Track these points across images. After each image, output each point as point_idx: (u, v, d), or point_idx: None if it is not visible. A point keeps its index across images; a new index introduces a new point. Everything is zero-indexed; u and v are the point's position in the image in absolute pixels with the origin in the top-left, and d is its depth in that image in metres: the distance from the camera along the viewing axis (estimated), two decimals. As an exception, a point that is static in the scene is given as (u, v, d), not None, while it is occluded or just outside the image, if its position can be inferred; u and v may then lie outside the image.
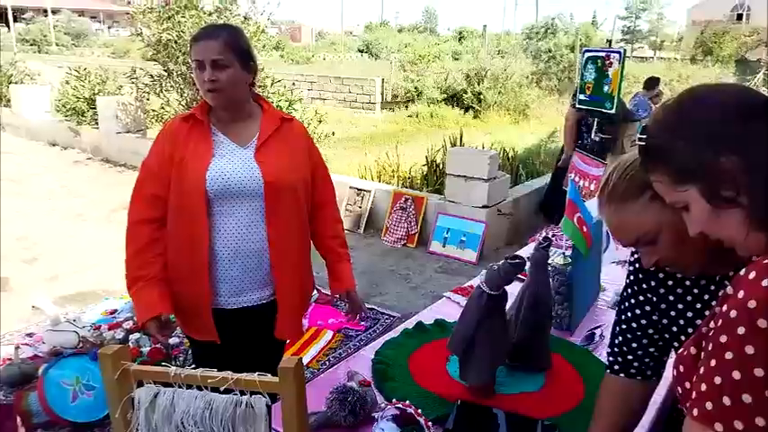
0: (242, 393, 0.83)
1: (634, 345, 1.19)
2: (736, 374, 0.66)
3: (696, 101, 0.82)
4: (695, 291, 1.09)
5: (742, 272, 0.72)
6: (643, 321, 1.18)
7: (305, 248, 1.86)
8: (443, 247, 4.95)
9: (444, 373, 1.68)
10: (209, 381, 0.82)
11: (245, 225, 1.70)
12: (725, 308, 0.70)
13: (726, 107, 0.78)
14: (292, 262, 1.80)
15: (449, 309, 2.09)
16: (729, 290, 0.72)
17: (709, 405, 0.68)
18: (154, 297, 1.66)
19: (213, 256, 1.70)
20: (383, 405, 1.42)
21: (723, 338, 0.68)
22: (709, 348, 0.71)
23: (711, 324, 0.73)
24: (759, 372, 0.64)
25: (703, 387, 0.70)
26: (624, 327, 1.21)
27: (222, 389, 0.82)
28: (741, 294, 0.68)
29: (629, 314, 1.20)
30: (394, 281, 4.44)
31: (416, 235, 5.15)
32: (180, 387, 0.84)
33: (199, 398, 0.83)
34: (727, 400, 0.66)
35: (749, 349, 0.65)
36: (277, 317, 1.82)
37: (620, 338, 1.22)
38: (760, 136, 0.75)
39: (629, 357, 1.21)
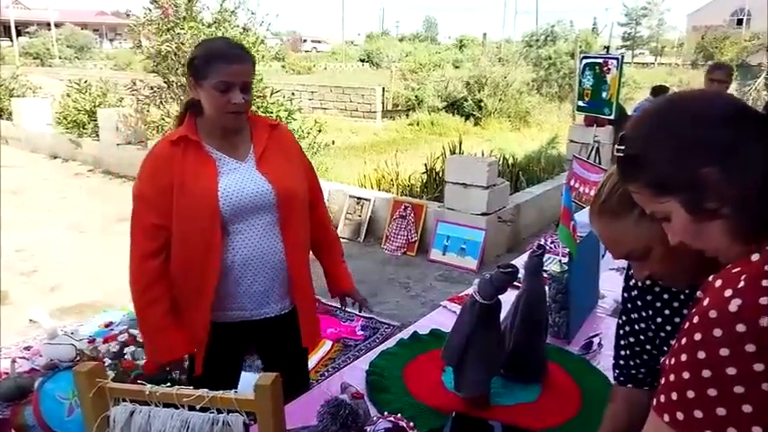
0: (219, 412, 0.81)
1: (638, 360, 1.20)
2: (686, 375, 0.69)
3: (676, 109, 0.80)
4: (691, 304, 1.08)
5: (711, 278, 0.72)
6: (642, 337, 1.18)
7: (308, 253, 1.88)
8: (444, 254, 4.93)
9: (439, 385, 1.66)
10: (184, 399, 0.80)
11: (261, 238, 1.69)
12: (693, 311, 0.72)
13: (707, 115, 0.76)
14: (305, 268, 1.82)
15: (445, 318, 2.06)
16: (700, 294, 0.73)
17: (662, 398, 0.73)
18: (172, 339, 1.68)
19: (233, 272, 1.68)
20: (375, 418, 1.40)
21: (683, 341, 0.71)
22: (674, 347, 0.74)
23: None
24: (707, 373, 0.67)
25: (662, 380, 0.74)
26: (624, 342, 1.22)
27: (199, 407, 0.80)
28: (706, 302, 0.70)
29: (628, 328, 1.20)
30: (394, 289, 4.41)
31: (416, 243, 5.12)
32: (156, 405, 0.82)
33: (175, 416, 0.81)
34: (674, 396, 0.70)
35: (701, 354, 0.67)
36: (300, 325, 1.82)
37: (624, 352, 1.22)
38: (743, 144, 0.73)
39: (633, 372, 1.21)
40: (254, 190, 1.66)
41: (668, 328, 1.11)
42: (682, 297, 1.08)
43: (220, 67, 1.57)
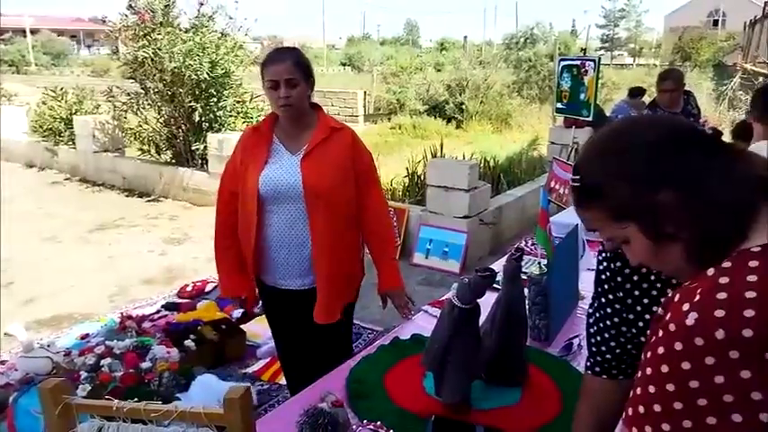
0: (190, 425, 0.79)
1: (612, 343, 1.19)
2: (652, 389, 0.70)
3: (628, 136, 0.81)
4: (658, 285, 1.08)
5: (671, 294, 0.74)
6: (616, 319, 1.17)
7: (350, 243, 2.08)
8: (426, 258, 4.92)
9: (421, 390, 1.64)
10: (152, 414, 0.78)
11: (289, 221, 1.98)
12: (656, 326, 0.73)
13: (659, 141, 0.77)
14: (334, 254, 2.01)
15: (426, 323, 2.05)
16: (661, 311, 0.75)
17: (630, 411, 0.74)
18: (236, 281, 2.11)
19: (266, 245, 2.01)
20: (355, 427, 1.38)
21: (648, 354, 0.72)
22: (641, 361, 0.75)
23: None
24: (671, 387, 0.68)
25: (631, 394, 0.75)
26: (596, 328, 1.21)
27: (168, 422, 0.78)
28: (667, 317, 0.71)
29: (600, 313, 1.19)
30: (377, 295, 4.37)
31: (399, 247, 5.11)
32: (125, 421, 0.80)
33: (144, 432, 0.79)
34: (641, 409, 0.71)
35: (664, 368, 0.68)
36: (316, 302, 2.03)
37: (596, 339, 1.21)
38: (695, 167, 0.75)
39: (608, 356, 1.20)
40: (288, 181, 1.94)
41: (638, 308, 1.12)
42: (652, 278, 1.09)
43: (268, 68, 1.90)
